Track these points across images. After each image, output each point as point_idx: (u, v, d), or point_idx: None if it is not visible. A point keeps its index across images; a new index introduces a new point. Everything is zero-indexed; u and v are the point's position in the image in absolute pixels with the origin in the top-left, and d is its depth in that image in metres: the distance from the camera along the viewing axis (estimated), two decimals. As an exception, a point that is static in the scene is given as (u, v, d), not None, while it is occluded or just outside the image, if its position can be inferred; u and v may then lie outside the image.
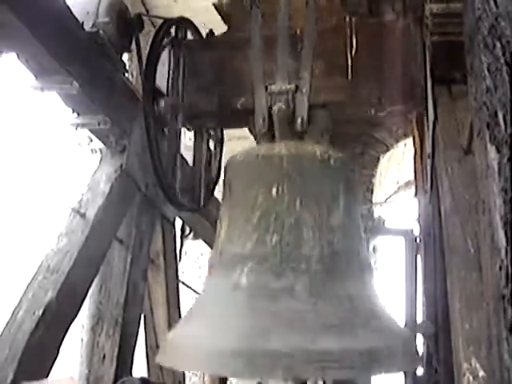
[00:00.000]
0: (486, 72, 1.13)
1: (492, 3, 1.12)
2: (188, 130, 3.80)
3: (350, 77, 3.42)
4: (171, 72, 3.43)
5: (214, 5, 3.58)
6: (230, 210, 2.56)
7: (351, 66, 3.43)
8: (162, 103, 3.37)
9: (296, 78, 3.18)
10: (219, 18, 4.23)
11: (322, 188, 2.42)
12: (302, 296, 2.10)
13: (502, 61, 1.06)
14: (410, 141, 5.74)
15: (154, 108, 3.29)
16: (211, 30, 3.65)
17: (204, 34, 3.65)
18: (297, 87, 3.06)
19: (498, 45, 1.09)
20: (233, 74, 3.53)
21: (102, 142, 3.37)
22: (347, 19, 3.43)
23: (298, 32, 3.20)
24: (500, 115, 1.06)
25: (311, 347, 1.93)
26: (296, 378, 1.97)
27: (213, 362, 2.02)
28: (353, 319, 2.10)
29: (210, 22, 3.97)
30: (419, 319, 4.00)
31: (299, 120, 3.02)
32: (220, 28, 3.69)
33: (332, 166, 2.49)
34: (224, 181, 2.71)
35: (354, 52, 3.40)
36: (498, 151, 1.07)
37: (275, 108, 2.96)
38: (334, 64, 3.44)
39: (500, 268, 1.10)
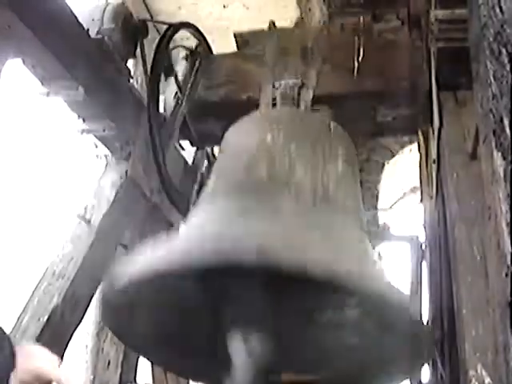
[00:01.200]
0: (492, 79, 1.13)
1: (498, 10, 1.12)
2: (191, 144, 3.83)
3: (355, 75, 3.47)
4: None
5: (234, 35, 3.71)
6: (221, 162, 2.46)
7: (357, 67, 3.46)
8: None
9: (303, 77, 3.22)
10: (223, 24, 4.26)
11: (320, 143, 2.28)
12: (287, 215, 1.94)
13: (508, 68, 1.06)
14: (415, 146, 5.73)
15: (159, 114, 3.30)
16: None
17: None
18: (303, 83, 3.08)
19: (504, 51, 1.09)
20: (242, 75, 3.65)
21: (108, 148, 3.38)
22: (356, 38, 3.53)
23: (310, 45, 3.25)
24: (506, 122, 1.06)
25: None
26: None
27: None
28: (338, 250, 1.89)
29: (213, 28, 3.99)
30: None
31: (302, 105, 3.02)
32: (223, 35, 3.72)
33: (331, 131, 2.39)
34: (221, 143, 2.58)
35: (360, 58, 3.43)
36: (504, 158, 1.07)
37: (279, 91, 2.98)
38: (342, 65, 3.51)
39: (506, 275, 1.10)
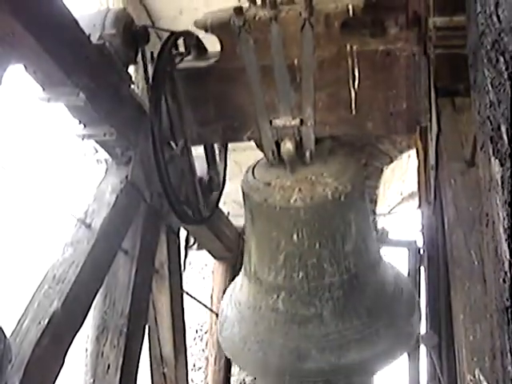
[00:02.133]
0: (490, 86, 1.15)
1: (495, 19, 1.13)
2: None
3: (353, 111, 3.38)
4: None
5: (196, 25, 3.31)
6: (256, 242, 2.96)
7: (355, 98, 3.37)
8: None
9: (299, 111, 3.22)
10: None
11: (336, 224, 2.78)
12: (327, 320, 2.50)
13: (506, 76, 1.07)
14: (413, 152, 5.76)
15: (160, 120, 3.32)
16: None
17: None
18: (301, 121, 3.13)
19: (502, 60, 1.10)
20: (234, 107, 3.49)
21: (108, 153, 3.40)
22: (348, 47, 3.22)
23: (296, 62, 3.16)
24: (503, 129, 1.07)
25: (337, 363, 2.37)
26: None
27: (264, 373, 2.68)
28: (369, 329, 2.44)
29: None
30: (423, 330, 4.01)
31: (307, 153, 3.14)
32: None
33: (343, 202, 2.76)
34: (244, 205, 3.02)
35: (356, 83, 3.32)
36: (502, 164, 1.08)
37: (283, 148, 3.07)
38: (337, 95, 3.35)
39: (504, 280, 1.11)
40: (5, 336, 2.46)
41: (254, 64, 3.16)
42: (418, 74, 3.28)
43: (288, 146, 3.15)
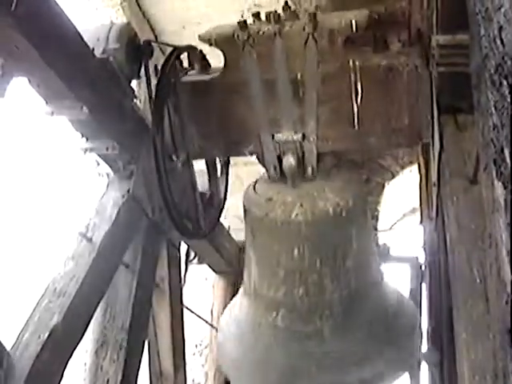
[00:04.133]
0: (493, 109, 1.15)
1: (499, 42, 1.14)
2: None
3: (356, 126, 3.39)
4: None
5: (200, 39, 3.35)
6: (256, 257, 2.92)
7: (357, 112, 3.39)
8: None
9: (301, 125, 3.22)
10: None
11: (337, 239, 2.74)
12: (328, 337, 2.46)
13: (509, 99, 1.08)
14: (415, 168, 5.76)
15: (163, 134, 3.33)
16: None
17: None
18: (304, 136, 3.13)
19: (505, 83, 1.10)
20: (236, 121, 3.50)
21: (110, 166, 3.40)
22: (351, 62, 3.27)
23: (299, 76, 3.19)
24: (506, 152, 1.07)
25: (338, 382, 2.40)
26: None
27: None
28: (369, 347, 2.49)
29: (215, 49, 4.00)
30: (424, 347, 3.99)
31: (309, 169, 3.14)
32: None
33: (344, 217, 2.74)
34: (245, 220, 3.00)
35: (359, 98, 3.35)
36: (505, 187, 1.09)
37: (285, 163, 3.07)
38: (340, 110, 3.38)
39: (506, 302, 1.11)
40: (8, 353, 2.46)
41: (257, 78, 3.17)
42: (421, 89, 3.30)
43: (290, 160, 3.15)
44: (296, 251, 2.68)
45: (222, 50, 3.32)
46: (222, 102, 3.50)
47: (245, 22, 3.12)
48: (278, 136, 3.25)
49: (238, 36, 3.11)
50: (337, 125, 3.37)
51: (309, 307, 2.55)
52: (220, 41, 3.26)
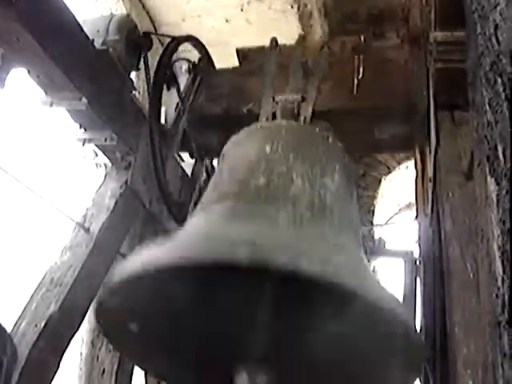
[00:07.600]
0: (487, 107, 1.17)
1: (494, 41, 1.16)
2: (191, 156, 3.86)
3: (354, 92, 3.51)
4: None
5: (237, 50, 3.64)
6: (219, 172, 2.42)
7: (357, 85, 3.50)
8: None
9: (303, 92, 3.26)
10: (225, 38, 4.27)
11: (318, 156, 2.33)
12: (283, 224, 1.91)
13: (503, 97, 1.10)
14: (411, 163, 5.77)
15: (160, 125, 3.34)
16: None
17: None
18: (303, 98, 3.13)
19: (499, 81, 1.12)
20: (243, 89, 3.68)
21: (108, 157, 3.41)
22: (356, 56, 3.60)
23: (310, 62, 3.28)
24: (500, 149, 1.09)
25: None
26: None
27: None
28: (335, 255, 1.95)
29: (216, 40, 4.02)
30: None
31: (302, 118, 3.08)
32: (224, 48, 3.74)
33: (330, 145, 2.45)
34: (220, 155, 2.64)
35: (360, 76, 3.47)
36: (498, 183, 1.10)
37: (279, 105, 3.04)
38: (341, 83, 3.56)
39: (497, 296, 1.13)
40: (11, 340, 2.48)
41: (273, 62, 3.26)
42: (418, 85, 3.34)
43: (285, 104, 3.16)
44: (268, 147, 2.29)
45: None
46: (236, 75, 3.81)
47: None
48: (278, 96, 3.24)
49: None
50: (336, 92, 3.55)
51: (265, 198, 2.05)
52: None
